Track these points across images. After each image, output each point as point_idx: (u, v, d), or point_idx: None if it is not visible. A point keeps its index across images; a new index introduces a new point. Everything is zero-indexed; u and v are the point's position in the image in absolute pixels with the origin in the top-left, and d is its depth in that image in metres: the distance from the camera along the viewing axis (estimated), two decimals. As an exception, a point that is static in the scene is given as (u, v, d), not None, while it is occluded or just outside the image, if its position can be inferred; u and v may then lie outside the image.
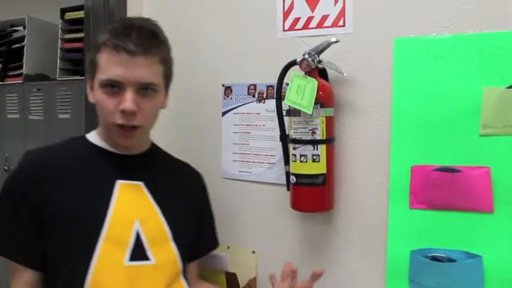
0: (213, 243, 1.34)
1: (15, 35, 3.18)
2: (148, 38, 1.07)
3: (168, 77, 1.17)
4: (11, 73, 3.17)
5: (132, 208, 1.09)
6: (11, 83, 3.16)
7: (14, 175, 1.09)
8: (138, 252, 1.05)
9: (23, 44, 3.09)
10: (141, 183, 1.13)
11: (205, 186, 1.35)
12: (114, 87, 1.05)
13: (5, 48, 3.20)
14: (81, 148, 1.16)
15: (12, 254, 1.05)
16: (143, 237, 1.07)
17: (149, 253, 1.07)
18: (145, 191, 1.13)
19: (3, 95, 3.18)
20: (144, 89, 1.07)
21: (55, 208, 1.04)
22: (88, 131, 1.62)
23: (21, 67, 3.09)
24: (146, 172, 1.16)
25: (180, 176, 1.23)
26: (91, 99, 1.14)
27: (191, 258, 1.24)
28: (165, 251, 1.10)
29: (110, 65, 1.04)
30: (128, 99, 1.03)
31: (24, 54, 3.07)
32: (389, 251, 1.27)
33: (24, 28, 3.11)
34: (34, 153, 1.14)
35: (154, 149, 1.26)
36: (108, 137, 1.14)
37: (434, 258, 1.20)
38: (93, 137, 1.18)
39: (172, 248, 1.12)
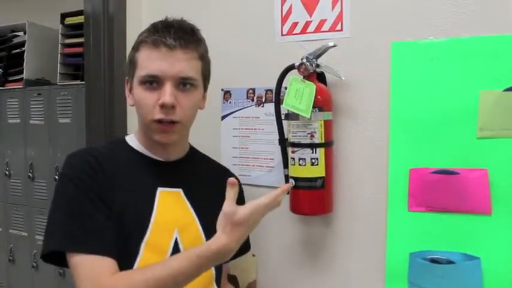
0: (246, 247, 1.30)
1: (16, 40, 3.19)
2: (187, 34, 1.09)
3: (205, 75, 1.17)
4: (11, 78, 3.17)
5: (172, 216, 1.09)
6: (12, 88, 3.16)
7: (67, 173, 1.06)
8: None
9: (23, 49, 3.10)
10: (180, 190, 1.13)
11: (241, 190, 1.26)
12: (153, 83, 1.06)
13: (6, 53, 3.20)
14: (123, 153, 1.15)
15: (98, 249, 0.99)
16: (181, 246, 1.08)
17: None
18: (184, 198, 1.13)
19: (3, 100, 3.19)
20: (183, 84, 1.08)
21: (109, 207, 1.03)
22: (89, 135, 1.65)
23: (21, 72, 3.09)
24: (185, 178, 1.15)
25: (218, 180, 1.13)
26: (129, 102, 1.14)
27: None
28: None
29: (149, 61, 1.06)
30: (167, 93, 1.03)
31: (25, 59, 3.08)
32: (388, 253, 1.27)
33: (25, 33, 3.12)
34: (81, 153, 1.11)
35: (193, 154, 1.25)
36: (147, 140, 1.14)
37: (433, 261, 1.21)
38: (133, 141, 1.17)
39: None
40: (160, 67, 1.05)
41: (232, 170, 1.49)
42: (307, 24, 1.39)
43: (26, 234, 3.10)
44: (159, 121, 1.06)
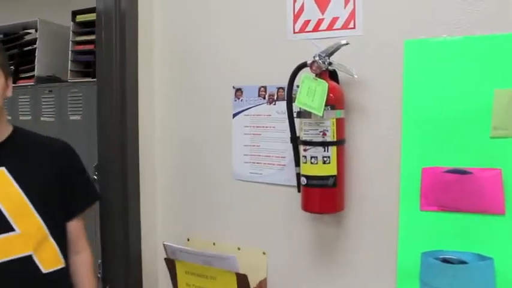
0: (85, 202, 1.49)
1: (27, 38, 3.20)
2: None
3: (2, 67, 1.31)
4: (23, 75, 3.19)
5: None
6: (23, 85, 3.17)
7: None
8: (3, 226, 1.24)
9: (34, 46, 3.11)
10: (3, 168, 1.29)
11: (69, 153, 1.47)
12: None
13: (17, 50, 3.22)
14: None
15: None
16: (6, 213, 1.25)
17: (14, 225, 1.26)
18: (7, 174, 1.29)
19: (15, 97, 3.19)
20: None
21: None
22: (101, 132, 1.66)
23: (33, 69, 3.10)
24: (8, 157, 1.32)
25: (42, 151, 1.38)
26: None
27: (68, 218, 1.42)
28: (28, 220, 1.28)
29: None
30: None
31: (36, 56, 3.09)
32: (400, 252, 1.27)
33: (36, 31, 3.13)
34: None
35: (16, 134, 1.38)
36: None
37: (446, 260, 1.20)
38: None
39: (36, 216, 1.29)
40: None
41: (244, 168, 1.50)
42: (320, 22, 1.38)
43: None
44: None
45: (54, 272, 1.33)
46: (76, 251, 1.44)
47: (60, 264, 1.36)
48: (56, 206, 1.36)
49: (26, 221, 1.28)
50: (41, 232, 1.30)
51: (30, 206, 1.29)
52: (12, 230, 1.25)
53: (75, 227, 1.43)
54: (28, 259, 1.27)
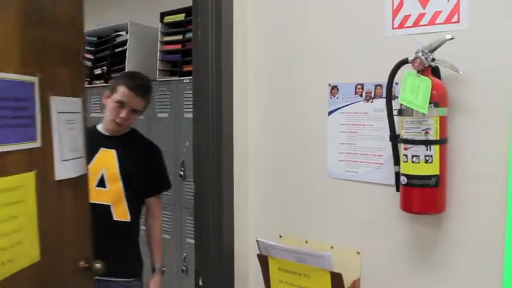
0: (158, 189, 2.18)
1: (119, 39, 3.36)
2: (144, 87, 2.06)
3: (145, 108, 2.11)
4: (114, 75, 3.35)
5: (102, 161, 2.01)
6: (115, 84, 3.33)
7: None
8: (101, 183, 1.98)
9: (125, 47, 3.27)
10: (113, 150, 2.03)
11: (154, 151, 2.16)
12: (120, 103, 1.97)
13: (109, 52, 3.39)
14: (93, 131, 2.04)
15: None
16: (105, 176, 1.99)
17: (107, 184, 1.99)
18: (114, 155, 2.02)
19: (107, 96, 3.38)
20: (134, 111, 2.00)
21: None
22: (196, 128, 1.73)
23: (123, 69, 3.26)
24: (119, 145, 2.05)
25: (137, 146, 2.11)
26: (106, 103, 2.05)
27: (147, 195, 2.11)
28: (115, 185, 1.99)
29: (122, 94, 1.97)
30: (124, 113, 1.98)
31: (127, 57, 3.24)
32: (506, 261, 1.20)
33: (127, 32, 3.28)
34: None
35: (130, 132, 2.11)
36: (105, 126, 2.06)
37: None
38: (99, 126, 2.10)
39: (120, 184, 1.99)
40: (125, 99, 1.97)
41: (339, 166, 1.49)
42: (420, 16, 1.34)
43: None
44: (116, 122, 2.00)
45: (121, 221, 2.01)
46: (152, 216, 2.14)
47: (126, 218, 2.02)
48: (133, 182, 2.02)
49: (113, 185, 1.99)
50: (119, 194, 2.00)
51: (119, 177, 2.00)
52: (105, 187, 1.99)
53: (152, 202, 2.13)
54: (107, 207, 1.99)
